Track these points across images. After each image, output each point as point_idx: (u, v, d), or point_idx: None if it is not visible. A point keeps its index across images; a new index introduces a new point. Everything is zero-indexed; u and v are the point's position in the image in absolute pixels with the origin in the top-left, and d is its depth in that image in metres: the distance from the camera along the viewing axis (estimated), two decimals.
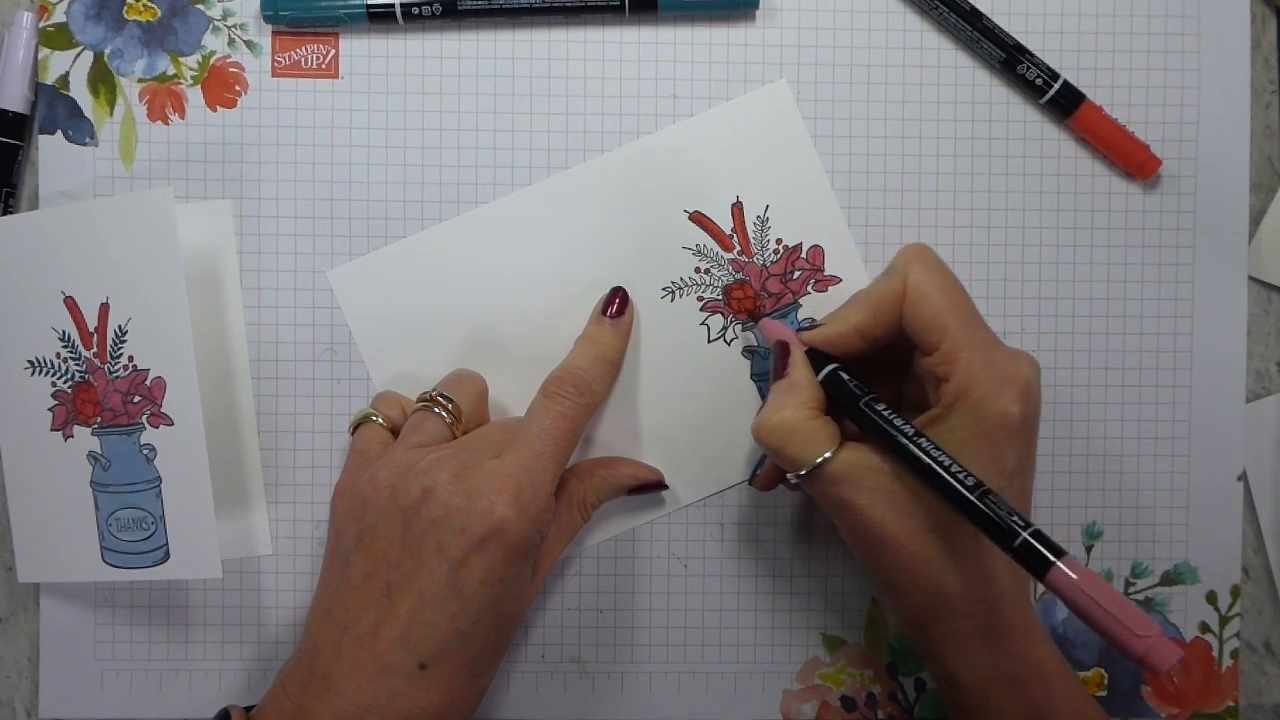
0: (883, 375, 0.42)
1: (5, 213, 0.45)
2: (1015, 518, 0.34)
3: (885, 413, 0.38)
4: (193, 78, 0.45)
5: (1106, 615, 0.32)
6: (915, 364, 0.39)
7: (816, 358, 0.41)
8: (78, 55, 0.45)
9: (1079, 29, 0.46)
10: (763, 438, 0.39)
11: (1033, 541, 0.33)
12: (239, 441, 0.46)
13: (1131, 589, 0.47)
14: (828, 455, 0.38)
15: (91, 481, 0.43)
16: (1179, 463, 0.47)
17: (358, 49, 0.45)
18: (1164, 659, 0.31)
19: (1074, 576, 0.32)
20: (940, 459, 0.36)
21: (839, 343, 0.40)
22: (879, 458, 0.38)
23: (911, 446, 0.36)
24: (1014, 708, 0.38)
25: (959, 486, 0.35)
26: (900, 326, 0.39)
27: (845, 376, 0.40)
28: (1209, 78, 0.46)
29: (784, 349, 0.41)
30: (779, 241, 0.46)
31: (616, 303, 0.45)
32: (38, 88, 0.45)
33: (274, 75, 0.46)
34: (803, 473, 0.38)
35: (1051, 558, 0.33)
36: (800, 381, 0.40)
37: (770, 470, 0.43)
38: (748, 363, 0.46)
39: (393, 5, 0.44)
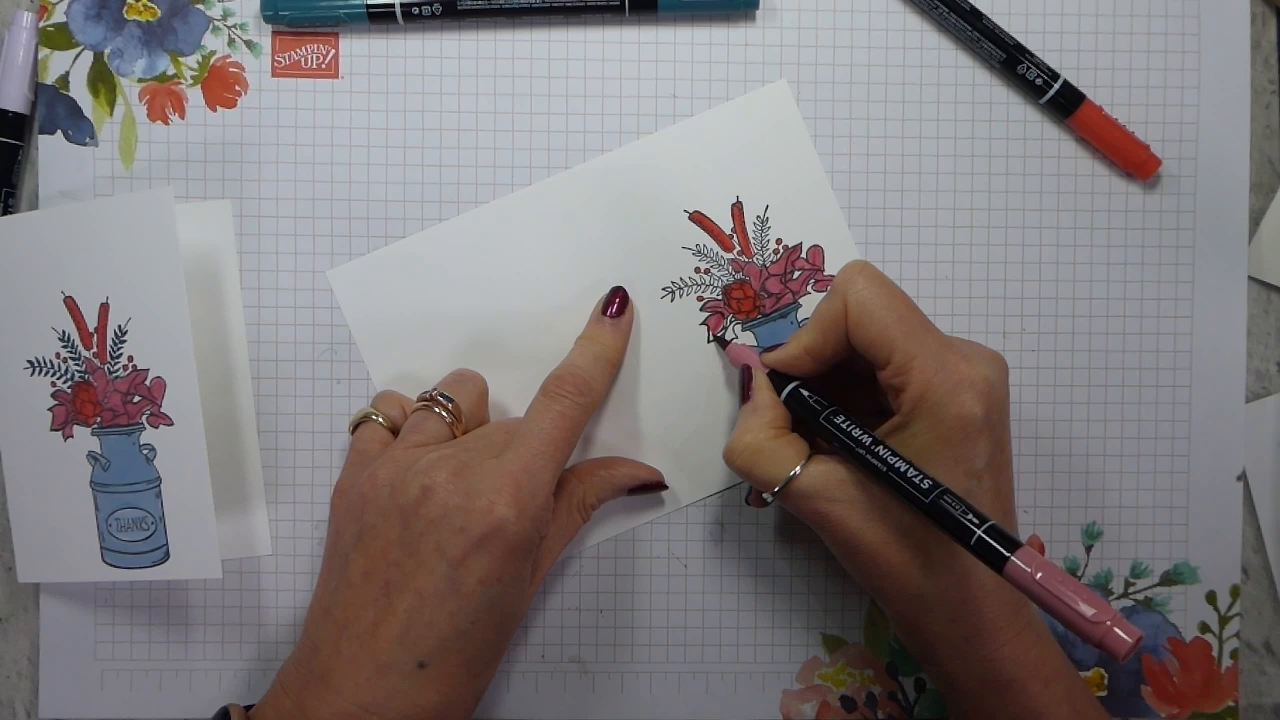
0: (863, 386, 0.42)
1: (5, 213, 0.45)
2: (970, 516, 0.34)
3: (844, 424, 0.38)
4: (193, 78, 0.45)
5: (1061, 603, 0.32)
6: (876, 377, 0.39)
7: (784, 377, 0.42)
8: (78, 55, 0.45)
9: (1079, 29, 0.46)
10: (731, 462, 0.40)
11: (986, 537, 0.34)
12: (239, 441, 0.46)
13: (1131, 589, 0.47)
14: (796, 472, 0.39)
15: (91, 481, 0.43)
16: (1179, 463, 0.47)
17: (358, 49, 0.46)
18: (1120, 642, 0.31)
19: (1028, 569, 0.33)
20: (896, 464, 0.36)
21: (792, 364, 0.41)
22: (846, 469, 0.38)
23: (867, 455, 0.37)
24: (1010, 710, 0.38)
25: (913, 490, 0.35)
26: (849, 344, 0.39)
27: (805, 393, 0.41)
28: (1209, 78, 0.46)
29: (747, 373, 0.42)
30: (779, 241, 0.46)
31: (616, 302, 0.45)
32: (38, 88, 0.45)
33: (274, 75, 0.46)
34: (775, 490, 0.39)
35: (1005, 552, 0.33)
36: (762, 403, 0.41)
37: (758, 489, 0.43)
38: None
39: (393, 5, 0.44)
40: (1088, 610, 0.31)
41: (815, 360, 0.41)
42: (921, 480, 0.36)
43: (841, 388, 0.41)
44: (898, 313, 0.38)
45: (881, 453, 0.37)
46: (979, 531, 0.34)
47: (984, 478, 0.37)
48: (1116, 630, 0.31)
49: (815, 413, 0.40)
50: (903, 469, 0.36)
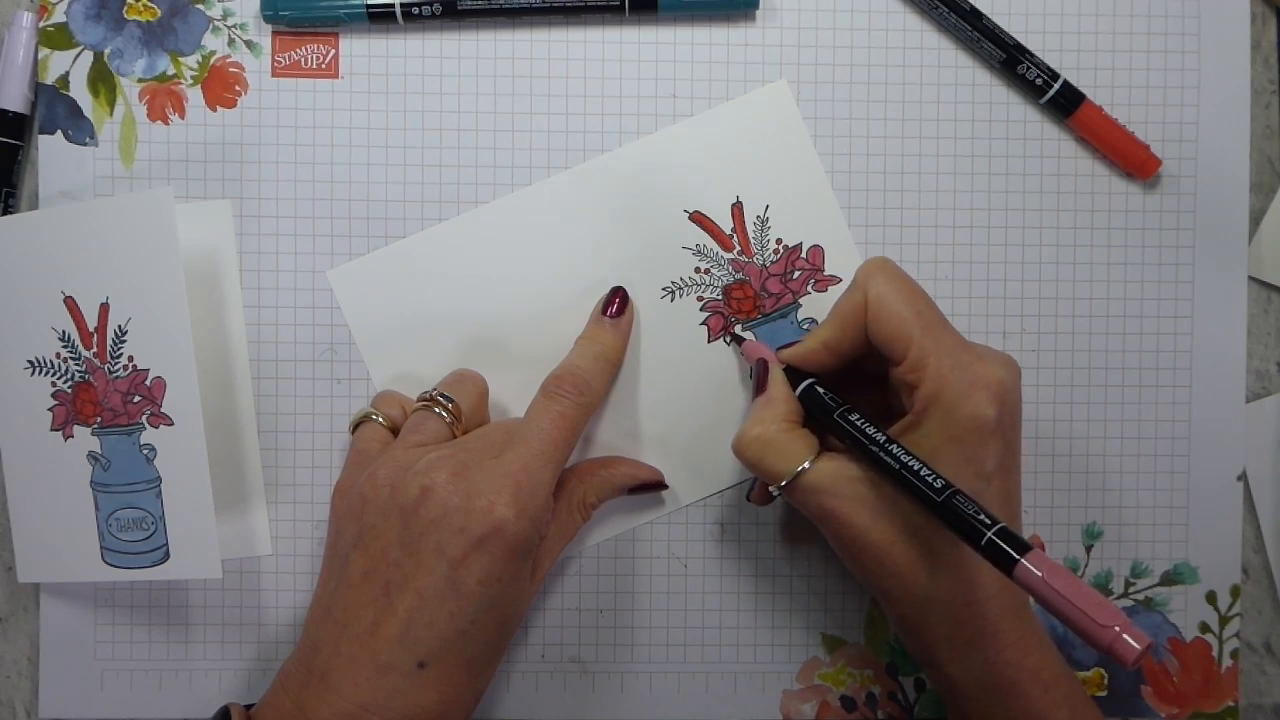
0: (871, 386, 0.42)
1: (5, 213, 0.45)
2: (982, 517, 0.34)
3: (858, 422, 0.38)
4: (193, 78, 0.45)
5: (1071, 607, 0.32)
6: (890, 374, 0.39)
7: (798, 375, 0.42)
8: (78, 55, 0.45)
9: (1079, 29, 0.46)
10: (740, 452, 0.40)
11: (996, 539, 0.34)
12: (239, 441, 0.46)
13: (1131, 589, 0.47)
14: (805, 466, 0.38)
15: (91, 481, 0.43)
16: (1179, 463, 0.47)
17: (358, 49, 0.46)
18: (1129, 649, 0.31)
19: (1038, 572, 0.32)
20: (910, 463, 0.36)
21: (810, 359, 0.41)
22: (857, 467, 0.38)
23: (880, 453, 0.37)
24: (1009, 714, 0.38)
25: (926, 489, 0.35)
26: (866, 339, 0.39)
27: (820, 390, 0.41)
28: (1209, 78, 0.46)
29: (764, 366, 0.42)
30: (779, 241, 0.46)
31: (616, 302, 0.45)
32: (38, 88, 0.45)
33: (274, 75, 0.46)
34: (782, 484, 0.39)
35: (1014, 554, 0.33)
36: (776, 396, 0.41)
37: (762, 484, 0.43)
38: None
39: (393, 5, 0.44)
40: (1098, 616, 0.31)
41: (832, 355, 0.41)
42: (934, 479, 0.36)
43: (848, 392, 0.41)
44: (916, 308, 0.39)
45: (895, 450, 0.37)
46: (989, 533, 0.34)
47: (993, 480, 0.37)
48: (1125, 637, 0.31)
49: (830, 409, 0.40)
50: (915, 467, 0.36)
